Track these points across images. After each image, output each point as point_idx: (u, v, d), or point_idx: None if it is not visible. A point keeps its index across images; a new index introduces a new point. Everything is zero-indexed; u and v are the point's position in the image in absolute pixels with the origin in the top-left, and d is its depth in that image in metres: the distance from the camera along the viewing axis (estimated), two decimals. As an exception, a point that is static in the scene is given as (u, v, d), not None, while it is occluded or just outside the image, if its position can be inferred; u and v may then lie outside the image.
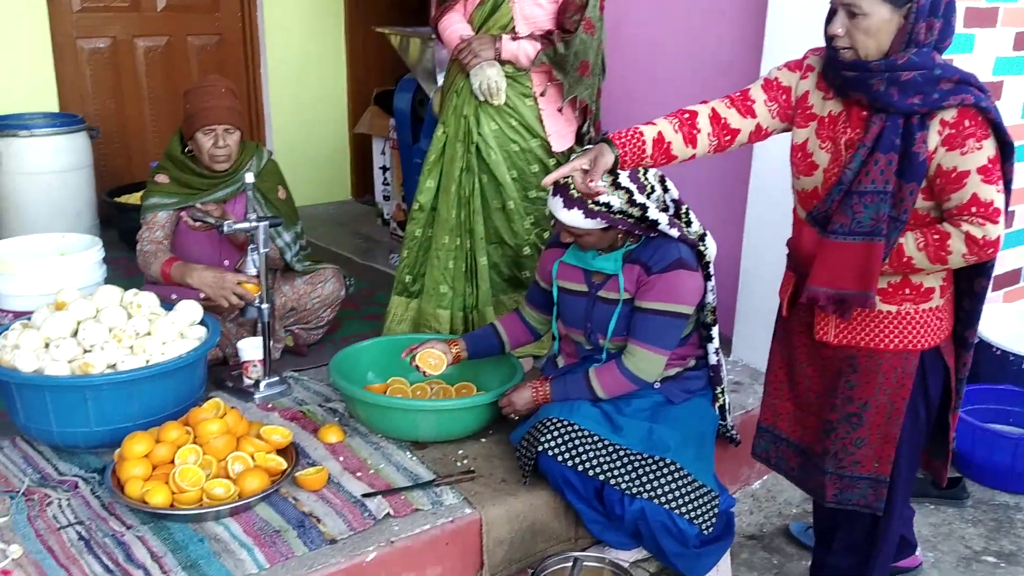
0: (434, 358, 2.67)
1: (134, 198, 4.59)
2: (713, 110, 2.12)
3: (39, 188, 4.28)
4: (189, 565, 2.07)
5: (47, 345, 2.52)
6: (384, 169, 5.06)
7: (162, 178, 3.16)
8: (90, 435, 2.47)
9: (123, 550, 2.12)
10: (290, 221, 3.27)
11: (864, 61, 1.92)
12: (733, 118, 2.11)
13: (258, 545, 2.15)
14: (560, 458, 2.29)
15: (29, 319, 2.66)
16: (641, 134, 2.07)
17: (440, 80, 3.92)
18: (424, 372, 2.66)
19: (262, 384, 2.95)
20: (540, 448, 2.31)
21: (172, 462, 2.30)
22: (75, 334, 2.56)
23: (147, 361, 2.53)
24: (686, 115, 2.11)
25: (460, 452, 2.60)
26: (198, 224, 2.89)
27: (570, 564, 2.24)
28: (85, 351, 2.52)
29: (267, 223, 2.85)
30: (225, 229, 2.82)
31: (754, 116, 2.12)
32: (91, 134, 4.51)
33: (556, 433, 2.32)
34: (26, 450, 2.58)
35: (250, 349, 2.96)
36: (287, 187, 3.35)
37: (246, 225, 2.84)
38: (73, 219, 4.33)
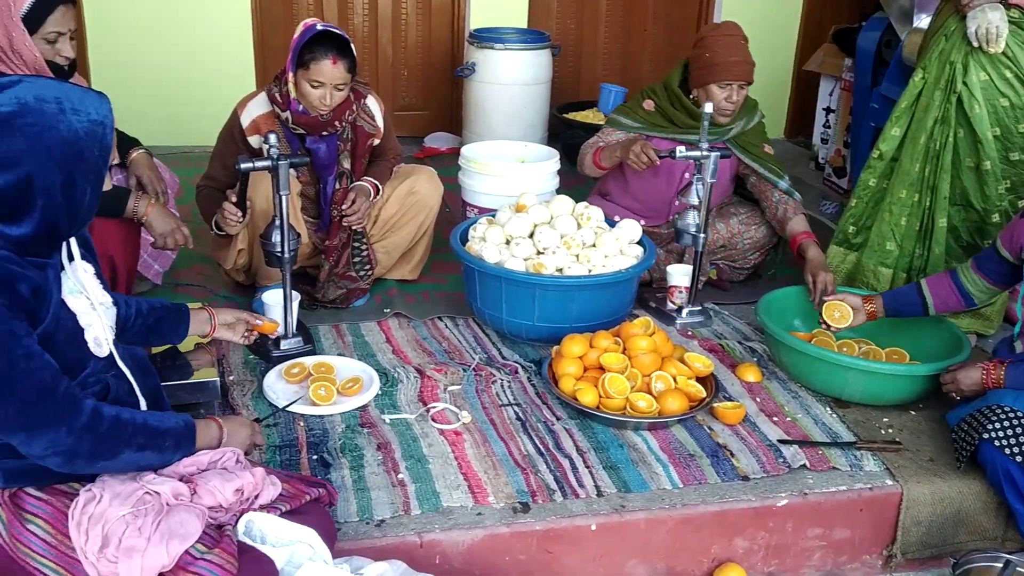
0: (839, 310, 2.52)
1: (580, 116, 4.86)
2: None
3: (503, 98, 4.68)
4: (609, 466, 2.21)
5: (508, 241, 2.80)
6: (828, 111, 4.81)
7: (648, 104, 3.22)
8: (531, 328, 2.72)
9: (552, 437, 2.32)
10: (775, 174, 3.20)
11: None
12: None
13: (673, 464, 2.23)
14: (1008, 451, 2.08)
15: (493, 216, 2.96)
16: None
17: (916, 21, 3.61)
18: (827, 324, 2.53)
19: (684, 311, 3.02)
20: (985, 436, 2.11)
21: (600, 368, 2.46)
22: (531, 235, 2.81)
23: (590, 271, 2.71)
24: None
25: (885, 420, 2.47)
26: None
27: (1000, 565, 2.05)
28: (539, 252, 2.76)
29: (717, 154, 2.86)
30: (677, 155, 2.87)
31: None
32: (553, 52, 4.83)
33: (1007, 423, 2.09)
34: (476, 331, 2.91)
35: (678, 275, 3.04)
36: (770, 143, 3.32)
37: (696, 153, 2.87)
38: (527, 130, 4.70)
